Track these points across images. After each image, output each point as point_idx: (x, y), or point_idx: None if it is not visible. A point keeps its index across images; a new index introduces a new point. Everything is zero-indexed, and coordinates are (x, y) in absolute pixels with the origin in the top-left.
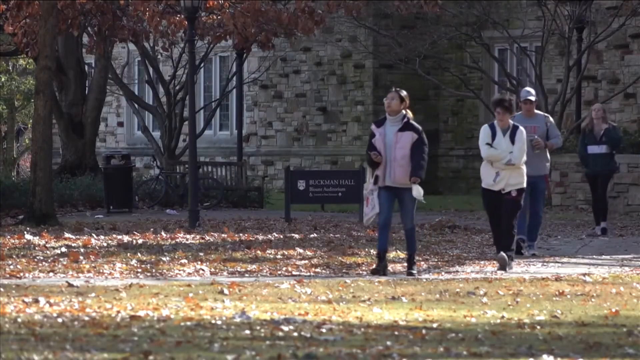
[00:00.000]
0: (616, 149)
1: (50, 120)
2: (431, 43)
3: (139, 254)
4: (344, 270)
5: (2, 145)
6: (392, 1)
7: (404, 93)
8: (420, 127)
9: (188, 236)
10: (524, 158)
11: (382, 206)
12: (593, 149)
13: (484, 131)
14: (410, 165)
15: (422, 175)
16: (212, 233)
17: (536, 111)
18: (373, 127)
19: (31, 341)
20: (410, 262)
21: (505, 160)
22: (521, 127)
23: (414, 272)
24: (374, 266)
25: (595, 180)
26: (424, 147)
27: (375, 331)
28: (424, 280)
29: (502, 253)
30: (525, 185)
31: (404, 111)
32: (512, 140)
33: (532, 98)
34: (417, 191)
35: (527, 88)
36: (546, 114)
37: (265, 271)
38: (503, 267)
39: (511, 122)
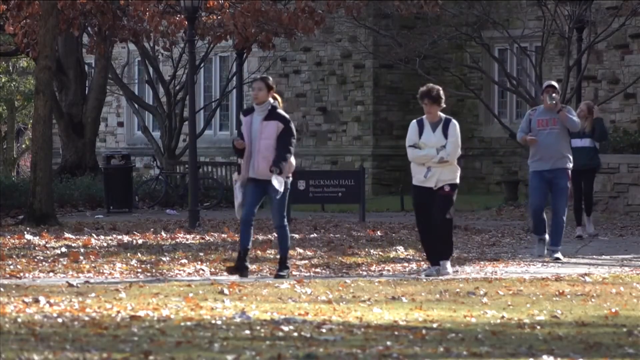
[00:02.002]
0: (602, 141)
1: (50, 120)
2: (431, 43)
3: (139, 254)
4: (344, 270)
5: (2, 145)
6: (392, 1)
7: (270, 80)
8: (287, 117)
9: (188, 236)
10: (459, 152)
11: (246, 200)
12: (576, 143)
13: (411, 129)
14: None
15: (282, 167)
16: (212, 233)
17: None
18: (241, 116)
19: (31, 341)
20: (281, 263)
21: (437, 159)
22: (454, 121)
23: (284, 274)
24: (233, 264)
25: (579, 177)
26: (291, 138)
27: (375, 331)
28: (424, 280)
29: (445, 269)
30: (458, 181)
31: (271, 99)
32: (445, 134)
33: (555, 100)
34: (278, 182)
35: (550, 82)
36: (564, 105)
37: (265, 271)
38: (434, 275)
39: (442, 115)
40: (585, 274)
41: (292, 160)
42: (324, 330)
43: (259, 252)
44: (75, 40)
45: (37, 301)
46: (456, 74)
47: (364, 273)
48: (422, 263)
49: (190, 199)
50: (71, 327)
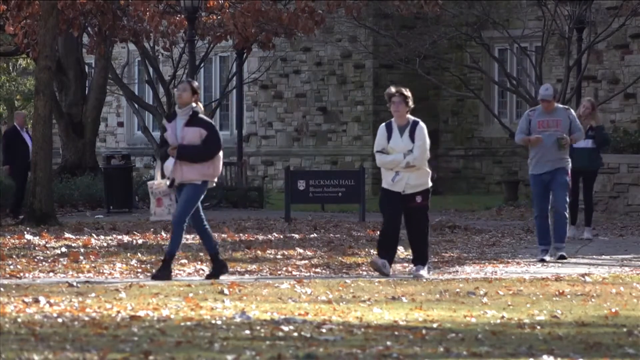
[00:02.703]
0: (603, 148)
1: (50, 120)
2: (431, 43)
3: (139, 254)
4: (344, 270)
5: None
6: (392, 1)
7: (195, 84)
8: (210, 122)
9: (188, 236)
10: (427, 156)
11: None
12: (579, 143)
13: (379, 133)
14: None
15: (182, 156)
16: (212, 233)
17: (557, 105)
18: (164, 122)
19: (31, 341)
20: (164, 263)
21: (404, 163)
22: (422, 124)
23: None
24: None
25: (579, 177)
26: (213, 146)
27: (375, 331)
28: (424, 280)
29: (419, 272)
30: (429, 185)
31: (193, 104)
32: (412, 138)
33: (549, 99)
34: (166, 169)
35: (545, 85)
36: (566, 107)
37: (265, 271)
38: (379, 270)
39: (411, 117)
40: (585, 274)
41: (219, 164)
42: (324, 330)
43: (259, 252)
44: (75, 40)
45: (37, 301)
46: (456, 74)
47: (364, 273)
48: None
49: None
50: (71, 327)
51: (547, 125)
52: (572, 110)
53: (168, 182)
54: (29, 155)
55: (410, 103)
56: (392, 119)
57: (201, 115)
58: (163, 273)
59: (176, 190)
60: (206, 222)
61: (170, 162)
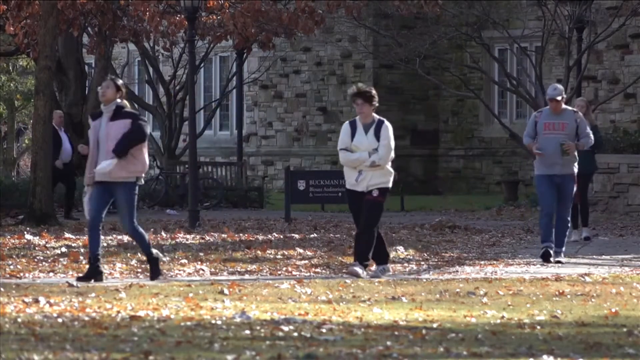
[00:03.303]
0: (597, 149)
1: (50, 121)
2: (431, 43)
3: (139, 254)
4: (344, 270)
5: (2, 145)
6: (392, 1)
7: (120, 82)
8: (135, 112)
9: (188, 236)
10: (392, 156)
11: (91, 205)
12: None
13: (343, 131)
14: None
15: (119, 152)
16: (212, 233)
17: (564, 106)
18: (90, 119)
19: (31, 341)
20: (151, 264)
21: (369, 162)
22: (387, 123)
23: (159, 278)
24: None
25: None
26: (137, 133)
27: (375, 331)
28: (424, 280)
29: (354, 267)
30: (390, 185)
31: (118, 100)
32: (377, 137)
33: (559, 97)
34: (105, 164)
35: (554, 85)
36: (575, 110)
37: (265, 271)
38: (356, 275)
39: (376, 116)
40: (585, 274)
41: (146, 159)
42: (324, 330)
43: (259, 252)
44: (75, 40)
45: (37, 301)
46: (456, 74)
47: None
48: (422, 263)
49: (190, 199)
50: (71, 327)
51: (552, 128)
52: (581, 114)
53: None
54: (67, 155)
55: (375, 101)
56: (357, 117)
57: (126, 109)
58: (157, 271)
59: (101, 189)
60: (137, 224)
61: (106, 164)
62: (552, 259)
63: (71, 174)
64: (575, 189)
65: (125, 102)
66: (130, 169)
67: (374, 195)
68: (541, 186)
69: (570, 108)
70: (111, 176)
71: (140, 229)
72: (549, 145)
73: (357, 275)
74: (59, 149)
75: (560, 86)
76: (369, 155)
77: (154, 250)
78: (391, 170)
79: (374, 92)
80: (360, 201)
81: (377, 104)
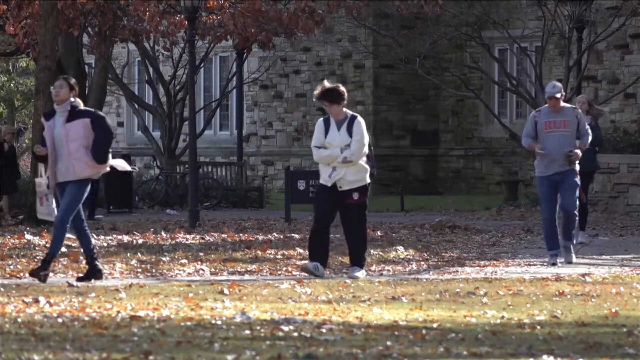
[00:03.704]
0: (596, 146)
1: None
2: (431, 43)
3: (139, 254)
4: (344, 270)
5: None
6: (392, 1)
7: (72, 81)
8: (92, 110)
9: (188, 236)
10: (365, 151)
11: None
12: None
13: (317, 128)
14: (91, 153)
15: (103, 160)
16: (212, 233)
17: (564, 104)
18: (43, 119)
19: (31, 341)
20: (45, 263)
21: (341, 158)
22: (360, 118)
23: (41, 276)
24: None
25: None
26: (106, 134)
27: (375, 331)
28: (424, 280)
29: (307, 263)
30: (367, 182)
31: (72, 99)
32: (350, 133)
33: (558, 95)
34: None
35: (553, 82)
36: (575, 107)
37: (265, 271)
38: (312, 273)
39: (348, 112)
40: (585, 274)
41: (109, 159)
42: (324, 330)
43: (259, 252)
44: (75, 40)
45: (37, 301)
46: (456, 74)
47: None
48: (422, 263)
49: (190, 199)
50: (71, 327)
51: (554, 126)
52: (580, 111)
53: (46, 182)
54: None
55: (343, 98)
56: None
57: (81, 107)
58: (39, 271)
59: (58, 189)
60: (86, 222)
61: (49, 168)
62: (559, 264)
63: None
64: (579, 182)
65: (79, 100)
66: (93, 166)
67: (354, 198)
68: (542, 187)
69: (569, 105)
70: (76, 175)
71: (66, 230)
72: (551, 144)
73: (309, 271)
74: None
75: (558, 83)
76: (341, 152)
77: (55, 255)
78: (366, 166)
79: (340, 89)
80: (330, 197)
81: (345, 101)
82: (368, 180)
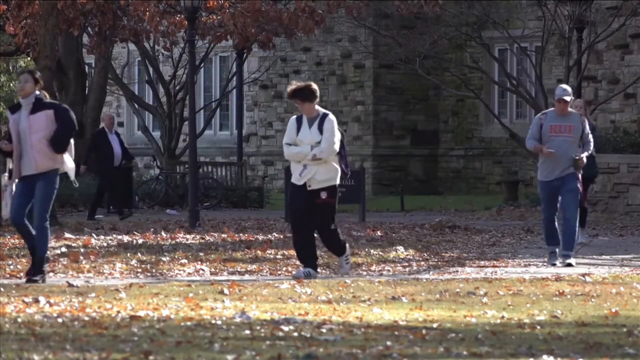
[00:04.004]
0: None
1: None
2: (431, 43)
3: (139, 254)
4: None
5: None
6: (392, 1)
7: (38, 74)
8: (55, 102)
9: (188, 236)
10: (335, 149)
11: (14, 201)
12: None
13: (289, 125)
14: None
15: (61, 150)
16: (212, 233)
17: (570, 110)
18: (8, 113)
19: (31, 341)
20: (36, 266)
21: (310, 156)
22: (331, 116)
23: (37, 279)
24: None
25: None
26: (68, 125)
27: (375, 331)
28: (424, 280)
29: (301, 270)
30: (337, 182)
31: (37, 92)
32: (321, 130)
33: (567, 98)
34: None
35: (563, 85)
36: (580, 114)
37: (265, 271)
38: (302, 277)
39: (320, 110)
40: (585, 274)
41: (71, 148)
42: (324, 330)
43: (259, 252)
44: (75, 40)
45: (37, 301)
46: (456, 74)
47: (364, 273)
48: (422, 263)
49: (190, 199)
50: (71, 327)
51: (559, 130)
52: (586, 119)
53: (7, 175)
54: (113, 158)
55: (316, 96)
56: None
57: (46, 100)
58: (37, 276)
59: (26, 184)
60: (48, 221)
61: (14, 162)
62: (558, 263)
63: (111, 177)
64: (580, 187)
65: (45, 93)
66: (57, 159)
67: (322, 197)
68: (543, 191)
69: (575, 112)
70: (37, 169)
71: (48, 229)
72: (554, 148)
73: (300, 277)
74: (107, 154)
75: (569, 88)
76: (311, 149)
77: (47, 255)
78: (337, 166)
79: (312, 87)
80: (301, 196)
81: (317, 99)
82: (338, 181)
